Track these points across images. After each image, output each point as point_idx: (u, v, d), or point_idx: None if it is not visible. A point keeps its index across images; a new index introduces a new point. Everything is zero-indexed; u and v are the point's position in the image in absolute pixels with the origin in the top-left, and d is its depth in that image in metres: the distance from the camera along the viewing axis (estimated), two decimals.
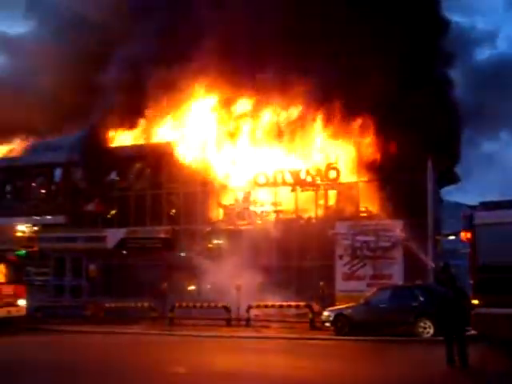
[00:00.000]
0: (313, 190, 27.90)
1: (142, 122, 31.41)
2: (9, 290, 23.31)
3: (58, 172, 34.45)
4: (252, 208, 28.77)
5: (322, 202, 28.11)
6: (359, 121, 26.76)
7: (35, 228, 24.74)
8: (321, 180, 27.48)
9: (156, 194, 31.25)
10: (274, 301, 23.35)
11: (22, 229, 23.82)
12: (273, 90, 27.97)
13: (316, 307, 22.25)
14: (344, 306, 20.81)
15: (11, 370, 14.48)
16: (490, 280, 14.29)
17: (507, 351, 14.46)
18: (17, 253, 24.54)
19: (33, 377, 13.66)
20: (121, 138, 32.74)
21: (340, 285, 24.72)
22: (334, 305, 22.20)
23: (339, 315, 19.95)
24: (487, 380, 12.21)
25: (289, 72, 26.99)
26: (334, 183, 27.35)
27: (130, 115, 31.16)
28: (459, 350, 12.77)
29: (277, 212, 28.39)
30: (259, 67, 27.68)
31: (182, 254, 28.55)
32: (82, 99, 31.98)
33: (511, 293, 13.86)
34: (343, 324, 19.69)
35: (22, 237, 23.75)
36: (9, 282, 23.54)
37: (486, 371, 13.00)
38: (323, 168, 27.43)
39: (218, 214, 29.66)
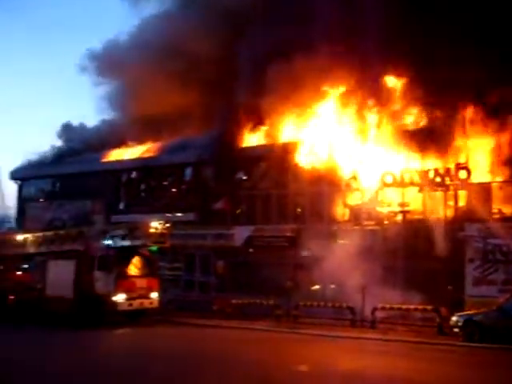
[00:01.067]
0: (442, 191, 27.05)
1: (268, 121, 31.79)
2: (143, 283, 24.52)
3: (188, 171, 35.77)
4: (379, 208, 28.37)
5: (451, 202, 27.19)
6: (494, 118, 25.61)
7: (167, 225, 25.78)
8: (450, 180, 26.58)
9: (282, 193, 31.60)
10: (399, 303, 22.92)
11: (155, 225, 24.89)
12: (402, 88, 27.42)
13: (444, 311, 21.58)
14: (474, 311, 20.06)
15: (143, 359, 15.26)
16: None
17: None
18: (150, 248, 25.71)
19: (159, 365, 14.31)
20: (248, 137, 33.38)
21: (470, 289, 23.78)
22: (462, 310, 21.42)
23: (469, 321, 19.23)
24: None
25: (419, 69, 26.30)
26: (465, 183, 26.36)
27: (257, 114, 31.67)
28: None
29: (404, 213, 27.80)
30: (388, 64, 27.20)
31: (308, 253, 28.64)
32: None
33: None
34: (473, 330, 18.95)
35: (154, 233, 24.81)
36: (142, 275, 24.76)
37: None
38: (453, 168, 26.53)
39: (344, 213, 29.53)
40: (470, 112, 26.27)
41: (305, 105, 29.91)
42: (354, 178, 28.88)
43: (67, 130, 46.11)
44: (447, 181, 26.57)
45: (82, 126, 45.99)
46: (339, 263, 25.07)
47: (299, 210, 31.60)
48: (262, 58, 29.96)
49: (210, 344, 19.15)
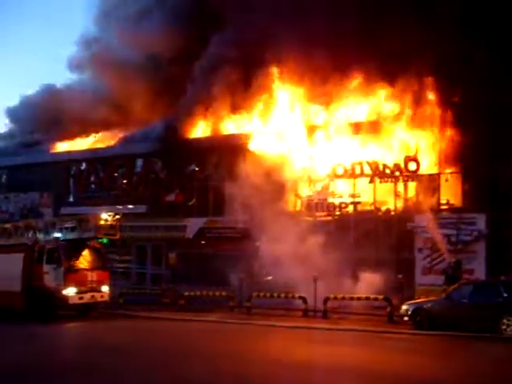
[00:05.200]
0: (392, 182, 27.47)
1: (221, 113, 31.69)
2: (93, 276, 24.11)
3: (139, 163, 35.37)
4: (330, 199, 28.64)
5: (401, 193, 27.62)
6: (441, 111, 26.08)
7: (117, 217, 25.43)
8: (400, 172, 27.01)
9: (234, 185, 31.50)
10: (351, 293, 23.18)
11: (105, 217, 24.49)
12: (352, 82, 27.65)
13: (395, 300, 21.91)
14: (423, 299, 20.43)
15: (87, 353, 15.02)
16: None
17: None
18: (100, 240, 25.33)
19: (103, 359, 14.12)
20: (200, 129, 33.19)
21: (419, 278, 24.27)
22: (413, 298, 21.81)
23: (418, 309, 19.56)
24: None
25: (368, 63, 26.56)
26: (414, 175, 26.82)
27: (209, 106, 31.55)
28: None
29: (355, 204, 28.14)
30: (338, 59, 27.36)
31: (260, 245, 28.69)
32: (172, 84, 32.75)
33: None
34: (422, 318, 19.28)
35: (104, 225, 24.42)
36: (93, 268, 24.34)
37: None
38: (402, 159, 26.95)
39: (296, 205, 29.66)
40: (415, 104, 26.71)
41: (256, 96, 29.96)
42: (306, 169, 29.07)
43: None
44: (397, 172, 27.03)
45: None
46: (292, 254, 25.19)
47: (251, 201, 31.56)
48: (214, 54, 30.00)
49: (162, 337, 19.00)
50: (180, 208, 32.90)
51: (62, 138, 39.54)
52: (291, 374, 12.41)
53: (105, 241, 25.65)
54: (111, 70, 36.88)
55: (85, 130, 39.17)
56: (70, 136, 39.41)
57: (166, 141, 32.67)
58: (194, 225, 31.46)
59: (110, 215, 24.84)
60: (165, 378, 12.30)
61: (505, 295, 18.03)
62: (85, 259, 24.36)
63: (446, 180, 26.49)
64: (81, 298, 23.42)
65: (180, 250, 31.78)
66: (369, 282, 23.60)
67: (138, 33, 35.22)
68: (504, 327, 17.45)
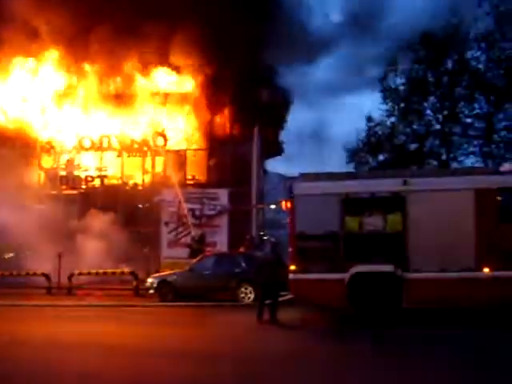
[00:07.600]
0: (139, 156, 27.67)
1: None
2: None
3: None
4: (76, 172, 27.95)
5: (149, 168, 27.97)
6: (189, 89, 26.89)
7: None
8: (148, 147, 27.30)
9: None
10: (97, 268, 22.97)
11: None
12: (103, 53, 27.12)
13: (141, 274, 22.22)
14: (168, 272, 21.01)
15: None
16: (306, 247, 15.05)
17: (320, 312, 15.56)
18: None
19: None
20: None
21: (165, 252, 24.89)
22: (159, 272, 22.32)
23: (163, 282, 20.07)
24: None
25: (121, 36, 26.25)
26: (162, 150, 27.30)
27: None
28: (270, 310, 14.16)
29: (102, 177, 27.82)
30: (92, 28, 26.62)
31: None
32: None
33: (323, 259, 14.72)
34: (167, 291, 19.83)
35: None
36: None
37: (295, 328, 14.07)
38: (151, 134, 27.27)
39: (39, 178, 28.42)
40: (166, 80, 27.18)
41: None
42: (50, 140, 28.00)
43: None
44: (145, 147, 27.29)
45: None
46: (34, 229, 24.18)
47: None
48: None
49: None
50: None
51: None
52: (35, 355, 12.02)
53: None
54: None
55: None
56: None
57: None
58: None
59: None
60: None
61: (243, 265, 19.33)
62: None
63: (194, 156, 27.47)
64: None
65: None
66: (115, 256, 23.65)
67: None
68: (242, 295, 18.75)
